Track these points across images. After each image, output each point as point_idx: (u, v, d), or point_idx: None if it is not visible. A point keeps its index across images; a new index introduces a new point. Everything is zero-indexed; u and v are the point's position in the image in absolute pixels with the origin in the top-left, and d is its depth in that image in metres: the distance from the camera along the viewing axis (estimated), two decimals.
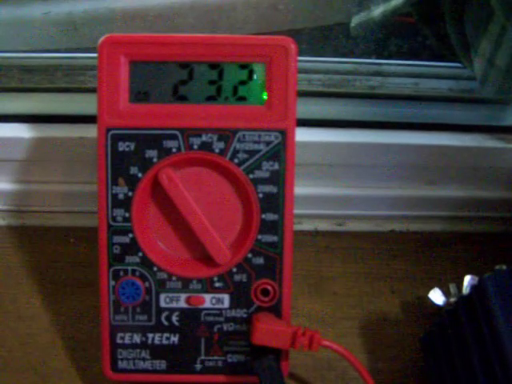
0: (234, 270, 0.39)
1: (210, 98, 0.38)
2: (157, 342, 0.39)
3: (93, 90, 0.38)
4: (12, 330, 0.45)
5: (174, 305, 0.39)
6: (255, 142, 0.37)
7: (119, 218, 0.38)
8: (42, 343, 0.44)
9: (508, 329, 0.34)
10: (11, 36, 0.53)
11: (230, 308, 0.39)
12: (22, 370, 0.42)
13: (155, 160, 0.37)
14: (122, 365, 0.40)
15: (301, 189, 0.43)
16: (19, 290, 0.47)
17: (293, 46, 0.37)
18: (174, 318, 0.39)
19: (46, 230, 0.52)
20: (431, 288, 0.43)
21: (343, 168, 0.50)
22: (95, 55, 0.37)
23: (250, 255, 0.38)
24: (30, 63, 0.50)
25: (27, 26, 0.53)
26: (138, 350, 0.39)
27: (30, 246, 0.50)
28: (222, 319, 0.39)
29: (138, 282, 0.39)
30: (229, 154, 0.38)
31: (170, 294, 0.39)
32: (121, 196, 0.38)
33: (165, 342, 0.39)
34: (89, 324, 0.44)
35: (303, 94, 0.43)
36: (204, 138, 0.37)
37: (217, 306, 0.39)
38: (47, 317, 0.45)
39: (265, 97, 0.37)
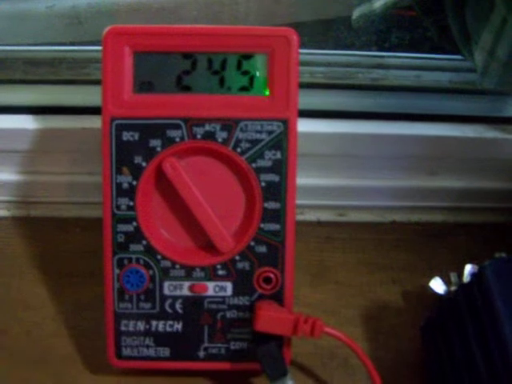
0: (237, 258, 0.39)
1: (213, 88, 0.38)
2: (160, 329, 0.40)
3: (97, 82, 0.39)
4: (17, 319, 0.45)
5: (177, 292, 0.39)
6: (258, 132, 0.38)
7: (123, 207, 0.38)
8: (47, 332, 0.44)
9: (507, 316, 0.34)
10: (16, 29, 0.54)
11: (233, 296, 0.39)
12: (27, 358, 0.43)
13: (159, 149, 0.38)
14: (126, 352, 0.40)
15: (303, 179, 0.43)
16: (25, 279, 0.48)
17: (295, 37, 0.37)
18: (178, 306, 0.40)
19: (50, 221, 0.52)
20: (432, 277, 0.43)
21: (345, 158, 0.50)
22: (99, 48, 0.37)
23: (252, 243, 0.39)
24: (34, 56, 0.51)
25: (32, 19, 0.54)
26: (142, 338, 0.40)
27: (35, 236, 0.51)
28: (225, 307, 0.40)
29: (142, 269, 0.39)
30: (232, 144, 0.38)
31: (174, 282, 0.39)
32: (125, 185, 0.38)
33: (168, 329, 0.40)
34: (93, 313, 0.44)
35: (305, 86, 0.43)
36: (207, 128, 0.38)
37: (220, 294, 0.39)
38: (52, 306, 0.46)
39: (267, 87, 0.38)
